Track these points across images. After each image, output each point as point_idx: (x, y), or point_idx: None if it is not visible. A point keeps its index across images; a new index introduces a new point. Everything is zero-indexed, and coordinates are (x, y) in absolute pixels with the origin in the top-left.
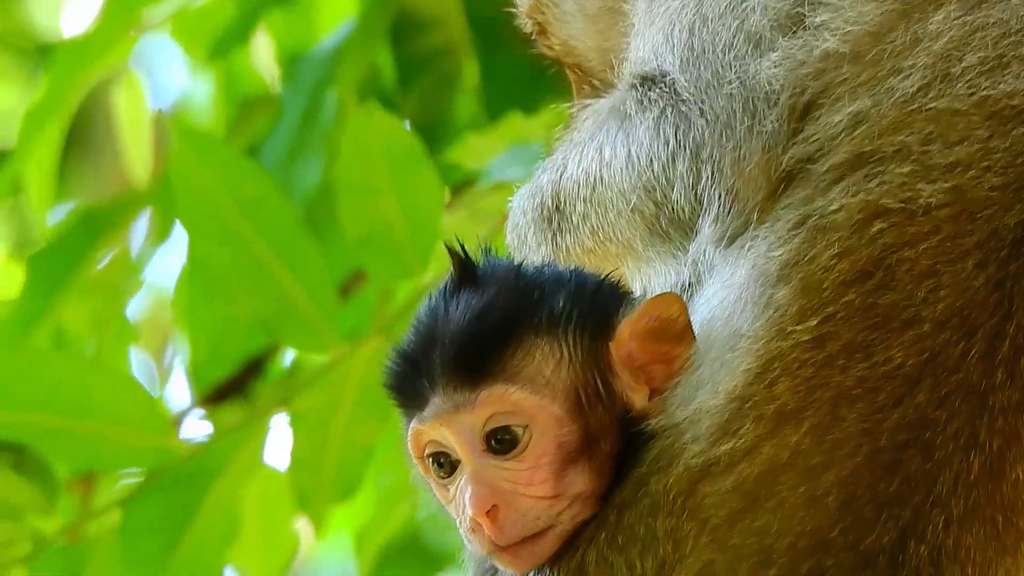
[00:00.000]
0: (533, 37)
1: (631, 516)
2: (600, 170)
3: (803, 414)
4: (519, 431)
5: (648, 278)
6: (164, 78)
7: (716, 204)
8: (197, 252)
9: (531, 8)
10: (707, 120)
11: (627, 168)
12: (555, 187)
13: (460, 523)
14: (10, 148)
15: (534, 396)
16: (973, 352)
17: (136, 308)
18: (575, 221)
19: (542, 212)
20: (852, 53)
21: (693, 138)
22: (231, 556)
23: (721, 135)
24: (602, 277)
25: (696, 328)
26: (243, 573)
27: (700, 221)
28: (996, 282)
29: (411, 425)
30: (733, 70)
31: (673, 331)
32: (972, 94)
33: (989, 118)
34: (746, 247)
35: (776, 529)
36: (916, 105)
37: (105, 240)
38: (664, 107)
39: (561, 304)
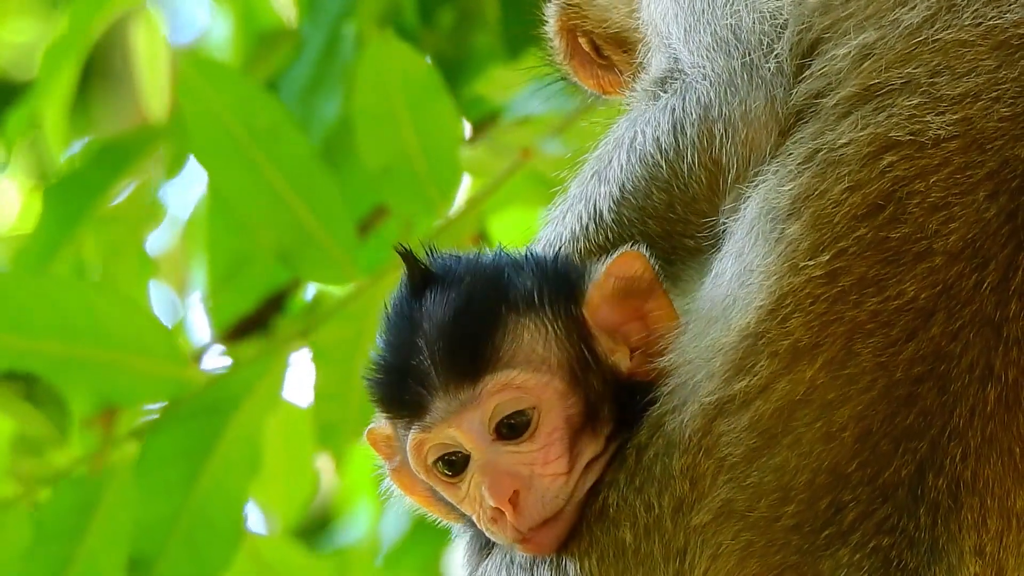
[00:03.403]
0: (564, 56)
1: (648, 456)
2: (598, 200)
3: (817, 349)
4: (527, 413)
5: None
6: (182, 14)
7: (735, 160)
8: (214, 181)
9: (561, 13)
10: (710, 82)
11: (628, 161)
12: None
13: (478, 517)
14: (29, 81)
15: (535, 375)
16: (986, 283)
17: (159, 243)
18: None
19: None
20: None
21: (698, 100)
22: (253, 492)
23: (726, 92)
24: (555, 251)
25: (710, 266)
26: (264, 509)
27: (722, 185)
28: (1008, 213)
29: (411, 435)
30: (729, 27)
31: (640, 288)
32: (979, 24)
33: (997, 48)
34: (756, 182)
35: (794, 465)
36: (923, 36)
37: (122, 174)
38: (675, 89)
39: (529, 283)
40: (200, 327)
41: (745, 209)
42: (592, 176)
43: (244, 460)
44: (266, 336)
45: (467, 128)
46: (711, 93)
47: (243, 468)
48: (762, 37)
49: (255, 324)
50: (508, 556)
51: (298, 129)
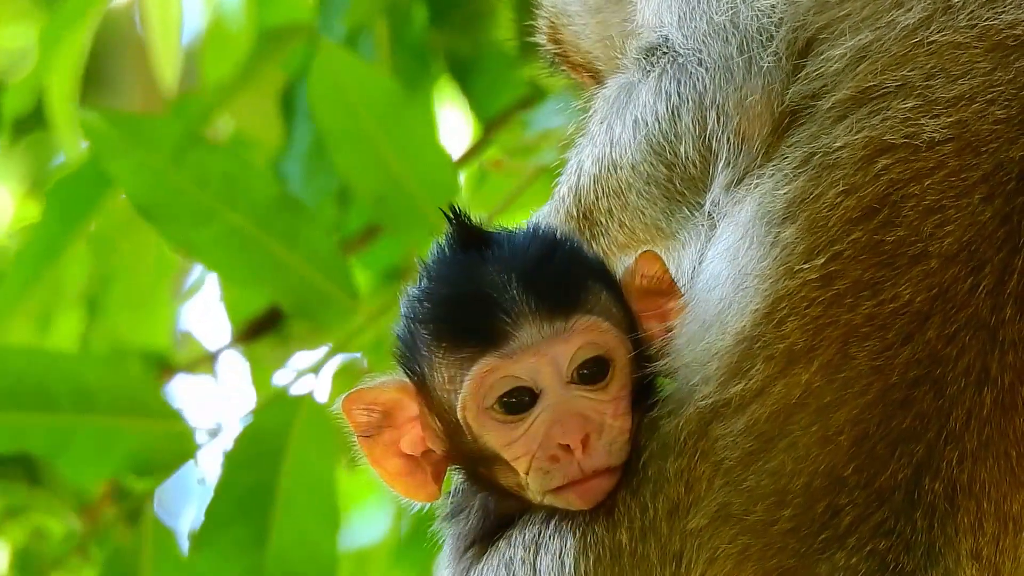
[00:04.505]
0: (556, 63)
1: (644, 458)
2: (612, 152)
3: (813, 353)
4: (606, 361)
5: (679, 254)
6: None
7: (726, 148)
8: (174, 240)
9: (548, 29)
10: (706, 68)
11: (634, 135)
12: (575, 193)
13: (531, 457)
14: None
15: (615, 329)
16: (982, 287)
17: None
18: (604, 221)
19: (571, 225)
20: None
21: (694, 87)
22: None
23: (721, 79)
24: None
25: (703, 267)
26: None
27: (712, 170)
28: (1003, 216)
29: (482, 363)
30: (727, 15)
31: (660, 287)
32: (974, 26)
33: (992, 50)
34: (752, 185)
35: (790, 469)
36: (918, 39)
37: None
38: (665, 66)
39: (593, 256)
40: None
41: (740, 212)
42: (603, 132)
43: (318, 510)
44: (280, 339)
45: (471, 128)
46: (706, 79)
47: (320, 519)
48: (761, 29)
49: (268, 323)
50: (506, 555)
51: (252, 170)
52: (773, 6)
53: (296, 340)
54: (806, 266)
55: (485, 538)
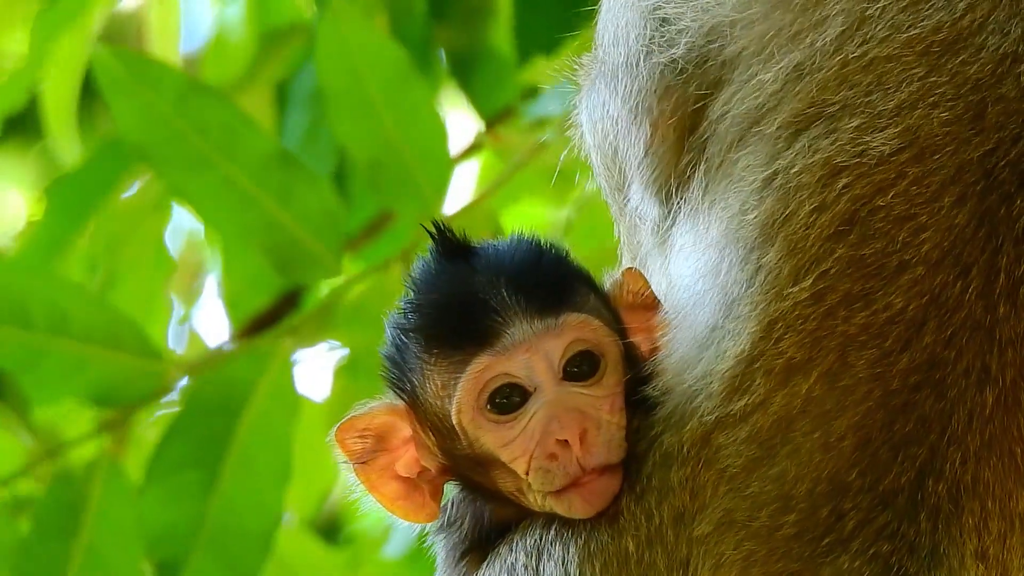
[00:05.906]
0: None
1: (647, 468)
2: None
3: (811, 364)
4: (596, 357)
5: (646, 267)
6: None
7: (626, 155)
8: (171, 184)
9: None
10: (605, 80)
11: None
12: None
13: (528, 456)
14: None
15: (605, 328)
16: (971, 289)
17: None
18: (617, 236)
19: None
20: (774, 3)
21: (598, 97)
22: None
23: (613, 91)
24: None
25: (677, 281)
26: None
27: (623, 177)
28: (980, 217)
29: (476, 363)
30: (624, 26)
31: (646, 303)
32: (898, 36)
33: (923, 55)
34: (715, 207)
35: (793, 475)
36: (843, 55)
37: (131, 170)
38: (590, 81)
39: (577, 263)
40: (215, 325)
41: (708, 232)
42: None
43: (271, 466)
44: (280, 335)
45: (480, 124)
46: (604, 91)
47: (272, 475)
48: (642, 35)
49: (270, 321)
50: (508, 561)
51: (250, 124)
52: (679, 15)
53: (297, 337)
54: (795, 288)
55: (480, 547)
